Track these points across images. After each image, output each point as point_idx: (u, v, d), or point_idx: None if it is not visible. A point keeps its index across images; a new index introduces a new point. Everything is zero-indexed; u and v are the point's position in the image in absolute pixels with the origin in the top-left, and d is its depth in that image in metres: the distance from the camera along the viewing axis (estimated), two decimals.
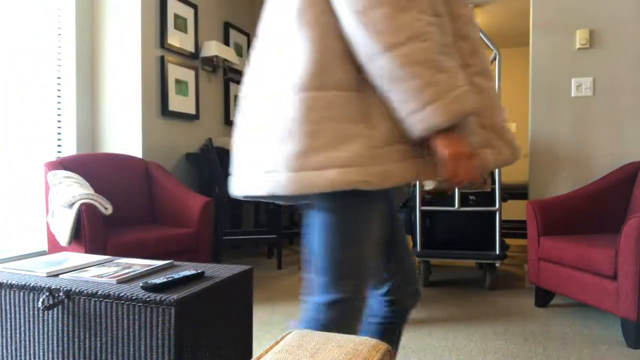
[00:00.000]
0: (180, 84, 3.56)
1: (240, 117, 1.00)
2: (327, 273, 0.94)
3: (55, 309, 1.32)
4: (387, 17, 0.80)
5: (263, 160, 0.89)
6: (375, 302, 1.15)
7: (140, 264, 1.56)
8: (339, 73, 0.86)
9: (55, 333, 1.32)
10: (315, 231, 0.95)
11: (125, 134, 3.22)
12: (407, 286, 1.12)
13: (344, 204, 0.92)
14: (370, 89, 0.87)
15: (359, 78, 0.87)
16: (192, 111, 3.72)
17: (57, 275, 1.43)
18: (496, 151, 0.97)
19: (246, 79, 1.01)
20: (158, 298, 1.21)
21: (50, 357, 1.33)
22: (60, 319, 1.31)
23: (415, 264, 1.13)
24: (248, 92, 0.98)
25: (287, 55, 0.88)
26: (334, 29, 0.87)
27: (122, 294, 1.24)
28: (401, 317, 1.13)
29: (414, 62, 0.80)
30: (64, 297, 1.30)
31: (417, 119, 0.82)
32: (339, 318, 0.94)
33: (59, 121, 3.04)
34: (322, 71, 0.85)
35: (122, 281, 1.36)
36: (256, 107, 0.94)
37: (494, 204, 2.93)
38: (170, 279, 1.32)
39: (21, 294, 1.36)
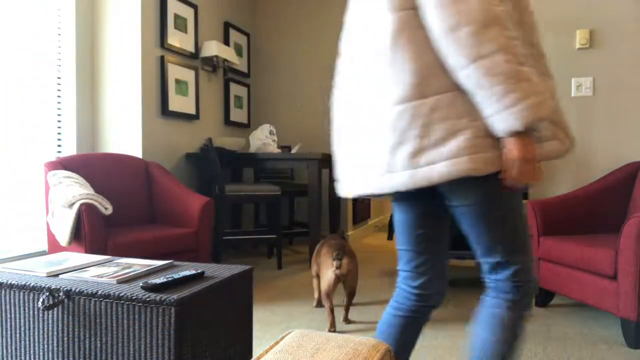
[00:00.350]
0: (180, 84, 3.56)
1: (351, 129, 1.12)
2: (505, 253, 1.07)
3: (55, 309, 1.32)
4: (473, 34, 0.91)
5: (383, 163, 1.03)
6: (403, 293, 1.22)
7: (140, 264, 1.56)
8: (437, 80, 0.99)
9: (55, 333, 1.32)
10: (479, 218, 1.06)
11: (125, 134, 3.22)
12: (438, 283, 1.20)
13: (488, 193, 1.04)
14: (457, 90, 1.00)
15: (453, 83, 0.99)
16: (192, 111, 3.72)
17: (57, 275, 1.43)
18: (561, 142, 1.07)
19: (348, 96, 1.13)
20: (158, 298, 1.21)
21: (50, 357, 1.33)
22: (60, 319, 1.31)
23: (448, 264, 1.22)
24: (355, 107, 1.11)
25: (389, 72, 1.02)
26: (427, 43, 0.99)
27: (122, 294, 1.24)
28: (426, 313, 1.21)
29: (497, 73, 0.91)
30: (64, 297, 1.30)
31: (497, 120, 0.93)
32: (525, 286, 1.08)
33: (59, 121, 3.04)
34: (423, 82, 0.99)
35: (122, 281, 1.36)
36: (368, 119, 1.07)
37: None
38: (170, 279, 1.32)
39: (21, 294, 1.36)
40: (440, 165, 0.96)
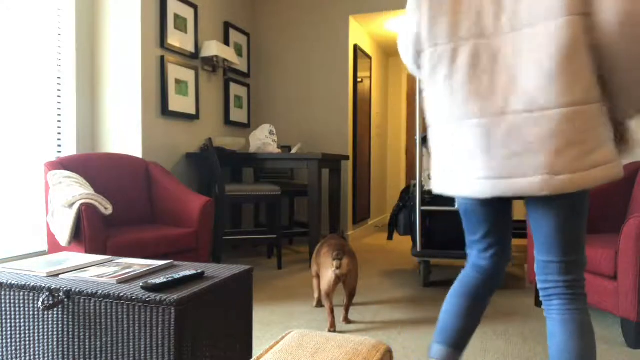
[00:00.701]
0: (180, 84, 3.56)
1: (488, 130, 1.15)
2: (581, 251, 1.19)
3: (55, 309, 1.32)
4: None
5: (544, 165, 1.08)
6: (481, 260, 1.38)
7: (140, 264, 1.56)
8: (594, 90, 1.07)
9: (55, 333, 1.32)
10: (573, 221, 1.16)
11: (125, 134, 3.22)
12: (506, 251, 1.38)
13: (586, 195, 1.17)
14: (602, 100, 1.10)
15: (600, 92, 1.08)
16: (192, 111, 3.72)
17: (57, 275, 1.43)
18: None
19: (480, 97, 1.16)
20: (158, 298, 1.21)
21: (50, 357, 1.33)
22: (60, 319, 1.31)
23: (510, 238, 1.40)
24: (496, 108, 1.14)
25: (566, 78, 1.06)
26: (594, 50, 1.06)
27: (122, 294, 1.24)
28: (500, 271, 1.38)
29: None
30: (64, 297, 1.30)
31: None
32: (584, 283, 1.21)
33: (59, 121, 3.05)
34: (589, 89, 1.06)
35: (122, 281, 1.36)
36: (521, 120, 1.11)
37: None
38: (170, 279, 1.32)
39: (21, 294, 1.36)
40: (597, 170, 1.05)
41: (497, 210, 1.32)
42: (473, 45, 1.16)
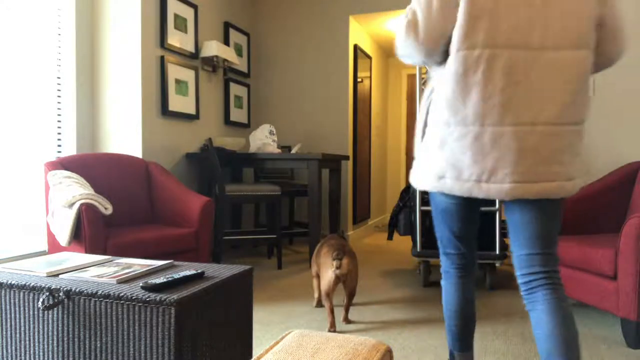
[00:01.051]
0: (180, 84, 3.56)
1: (520, 142, 1.26)
2: (557, 246, 1.36)
3: (55, 309, 1.32)
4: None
5: (565, 172, 1.26)
6: (459, 252, 1.55)
7: (140, 264, 1.56)
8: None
9: (55, 333, 1.32)
10: (556, 220, 1.34)
11: (125, 134, 3.22)
12: (474, 241, 1.55)
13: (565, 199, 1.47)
14: None
15: None
16: (192, 111, 3.72)
17: (57, 275, 1.43)
18: None
19: (513, 111, 1.26)
20: (158, 298, 1.21)
21: (50, 357, 1.33)
22: (60, 319, 1.32)
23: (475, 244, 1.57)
24: (529, 123, 1.26)
25: (581, 100, 1.27)
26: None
27: (122, 294, 1.24)
28: (474, 259, 1.56)
29: None
30: (64, 297, 1.30)
31: None
32: None
33: (59, 121, 3.05)
34: (588, 110, 1.30)
35: (122, 281, 1.36)
36: (557, 134, 1.27)
37: (493, 204, 2.93)
38: (170, 279, 1.32)
39: (21, 294, 1.36)
40: (579, 180, 1.29)
41: (473, 210, 1.47)
42: (510, 55, 1.24)
